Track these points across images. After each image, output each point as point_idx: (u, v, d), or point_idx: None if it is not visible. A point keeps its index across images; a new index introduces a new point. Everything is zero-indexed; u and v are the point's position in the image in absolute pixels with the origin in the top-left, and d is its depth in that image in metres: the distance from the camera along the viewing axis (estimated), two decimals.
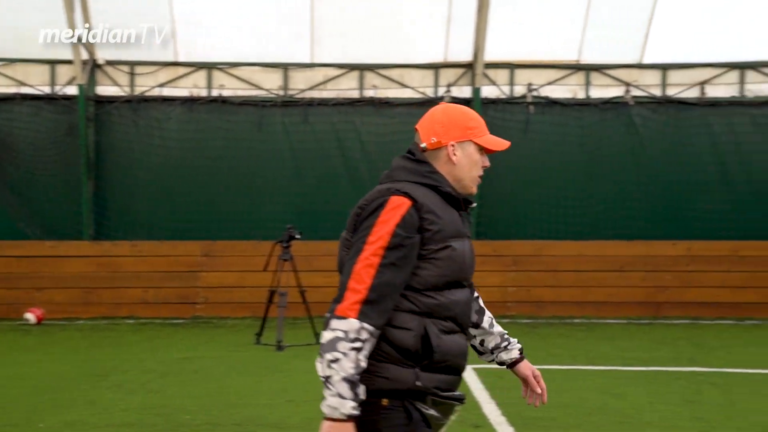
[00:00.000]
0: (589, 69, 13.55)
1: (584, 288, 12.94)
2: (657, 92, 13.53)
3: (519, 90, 13.64)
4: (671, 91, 13.52)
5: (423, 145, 2.77)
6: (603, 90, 13.59)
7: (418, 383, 2.60)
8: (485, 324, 3.06)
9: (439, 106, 2.87)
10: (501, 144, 2.82)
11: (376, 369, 2.59)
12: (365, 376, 2.55)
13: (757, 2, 13.15)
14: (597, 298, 12.92)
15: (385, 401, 2.61)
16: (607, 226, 13.31)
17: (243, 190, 13.52)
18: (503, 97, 13.58)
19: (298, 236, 9.83)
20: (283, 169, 13.55)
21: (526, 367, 3.06)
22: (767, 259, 12.87)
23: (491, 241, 13.08)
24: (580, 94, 13.62)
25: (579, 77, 13.63)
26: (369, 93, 13.58)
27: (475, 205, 2.89)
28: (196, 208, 13.45)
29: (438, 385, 2.65)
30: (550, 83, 13.59)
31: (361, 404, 2.52)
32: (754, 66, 13.48)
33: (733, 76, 13.54)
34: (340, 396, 2.47)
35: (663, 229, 13.32)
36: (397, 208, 2.60)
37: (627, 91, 13.49)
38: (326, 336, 2.52)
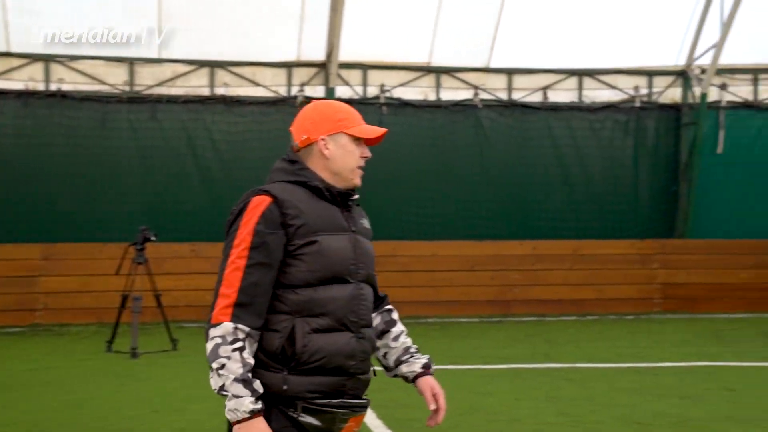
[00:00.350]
0: (439, 71, 13.80)
1: (437, 287, 13.17)
2: (503, 96, 13.96)
3: (372, 91, 13.72)
4: (516, 95, 13.98)
5: (295, 144, 2.76)
6: (453, 92, 13.88)
7: (285, 387, 2.52)
8: (390, 336, 2.95)
9: (309, 104, 2.86)
10: (374, 131, 2.79)
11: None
12: None
13: (595, 13, 13.79)
14: (449, 297, 13.18)
15: None
16: (459, 226, 13.61)
17: (86, 190, 12.87)
18: (356, 97, 13.61)
19: (153, 238, 9.45)
20: (130, 167, 13.01)
21: (425, 383, 2.89)
22: (604, 257, 13.53)
23: None
24: (431, 96, 13.85)
25: (430, 79, 13.86)
26: (220, 91, 13.25)
27: (357, 197, 2.83)
28: (34, 208, 12.69)
29: (311, 388, 2.55)
30: (402, 85, 13.74)
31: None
32: (591, 73, 14.15)
33: (572, 82, 14.17)
34: (237, 397, 2.44)
35: (510, 228, 13.76)
36: (257, 206, 2.58)
37: (476, 94, 13.84)
38: (208, 347, 2.50)
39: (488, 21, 13.61)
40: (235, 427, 2.45)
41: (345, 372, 2.61)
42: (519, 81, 14.03)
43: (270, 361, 2.54)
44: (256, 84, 13.37)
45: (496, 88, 13.96)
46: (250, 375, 2.47)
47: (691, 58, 14.08)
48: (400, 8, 13.37)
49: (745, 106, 14.41)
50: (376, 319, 2.91)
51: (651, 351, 9.84)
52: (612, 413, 6.81)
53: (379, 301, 2.94)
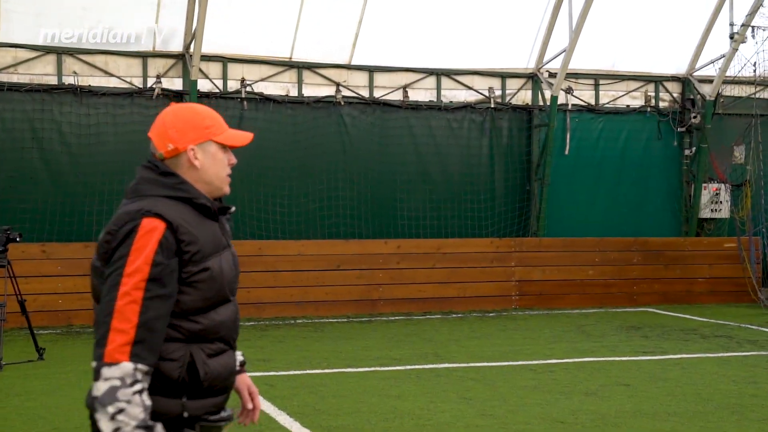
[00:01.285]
0: (301, 67, 13.49)
1: (304, 288, 12.87)
2: (365, 93, 13.85)
3: (232, 85, 13.21)
4: (378, 93, 13.91)
5: (160, 153, 2.60)
6: (315, 89, 13.62)
7: (186, 414, 2.49)
8: None
9: (167, 108, 2.69)
10: (244, 138, 2.71)
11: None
12: None
13: (454, 14, 13.97)
14: (316, 297, 12.92)
15: None
16: (324, 224, 13.37)
17: None
18: (216, 91, 13.05)
19: (17, 239, 8.58)
20: None
21: (242, 381, 2.87)
22: (464, 255, 13.73)
23: None
24: (293, 92, 13.52)
25: (291, 75, 13.52)
26: (69, 80, 12.30)
27: (234, 209, 2.78)
28: None
29: (208, 410, 2.55)
30: (263, 79, 13.33)
31: None
32: (448, 73, 14.32)
33: (431, 81, 14.28)
34: None
35: (374, 227, 13.68)
36: (150, 232, 2.43)
37: (338, 91, 13.64)
38: (101, 387, 2.33)
39: (351, 17, 13.47)
40: None
41: (229, 389, 2.65)
42: (380, 79, 13.97)
43: (167, 388, 2.46)
44: (109, 74, 12.52)
45: (357, 86, 13.83)
46: (149, 418, 2.36)
47: (540, 61, 14.55)
48: (262, 0, 12.96)
49: (588, 109, 15.09)
50: None
51: (530, 347, 10.04)
52: (531, 412, 6.83)
53: None
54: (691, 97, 15.38)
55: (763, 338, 10.90)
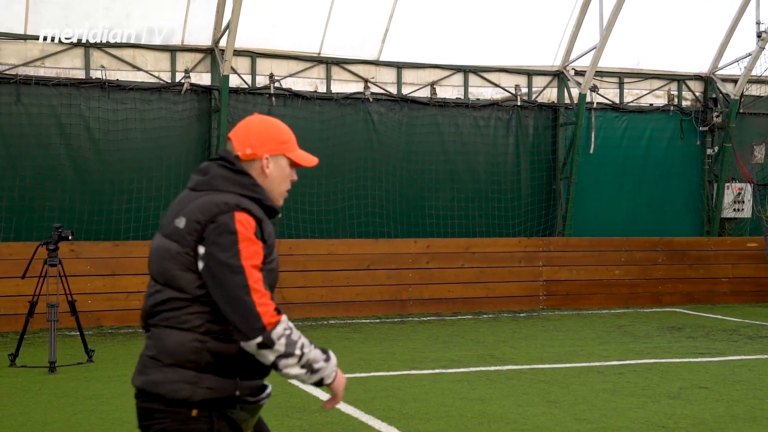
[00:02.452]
0: (330, 62, 13.22)
1: (334, 288, 12.61)
2: (393, 90, 13.61)
3: (261, 80, 12.91)
4: (406, 90, 13.68)
5: (237, 154, 2.83)
6: (343, 85, 13.36)
7: (237, 393, 2.71)
8: None
9: (253, 116, 2.93)
10: (311, 160, 2.94)
11: (199, 380, 2.66)
12: (187, 386, 2.66)
13: (482, 10, 13.77)
14: (346, 298, 12.66)
15: (194, 412, 2.67)
16: (353, 223, 13.11)
17: None
18: (244, 86, 12.75)
19: (69, 237, 8.24)
20: None
21: None
22: (493, 255, 13.54)
23: None
24: (321, 88, 13.25)
25: (320, 70, 13.25)
26: (96, 74, 11.94)
27: (280, 215, 2.98)
28: None
29: (252, 391, 2.76)
30: (291, 75, 13.04)
31: (168, 412, 2.66)
32: (476, 70, 14.12)
33: (458, 78, 14.07)
34: (326, 360, 2.71)
35: (402, 226, 13.45)
36: (249, 223, 2.69)
37: (366, 87, 13.40)
38: (279, 345, 2.63)
39: (381, 13, 13.23)
40: (339, 376, 2.76)
41: (267, 371, 2.80)
42: (408, 75, 13.75)
43: (226, 368, 2.68)
44: (137, 68, 12.18)
45: (385, 82, 13.58)
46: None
47: (567, 59, 14.40)
48: None
49: (612, 108, 14.96)
50: None
51: (583, 349, 9.86)
52: (627, 417, 6.64)
53: None
54: (714, 96, 15.30)
55: None
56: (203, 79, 12.50)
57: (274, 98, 12.87)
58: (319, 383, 2.71)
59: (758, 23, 14.52)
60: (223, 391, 2.69)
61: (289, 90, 12.96)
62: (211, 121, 12.48)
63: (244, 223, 2.67)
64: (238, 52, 12.61)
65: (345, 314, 12.55)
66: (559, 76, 14.55)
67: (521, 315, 13.04)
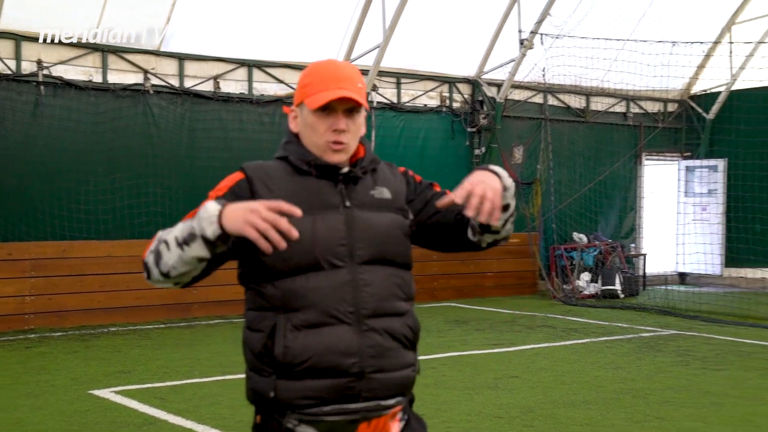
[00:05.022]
0: (106, 51, 12.34)
1: (114, 292, 11.76)
2: (175, 83, 12.96)
3: (27, 66, 11.78)
4: (188, 83, 13.08)
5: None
6: (121, 75, 12.52)
7: (272, 394, 2.22)
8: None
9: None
10: (321, 99, 2.34)
11: (249, 378, 2.31)
12: (247, 386, 2.36)
13: (267, 3, 13.51)
14: (126, 303, 11.86)
15: (258, 417, 2.30)
16: (134, 223, 12.30)
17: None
18: (8, 72, 11.58)
19: None
20: None
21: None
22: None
23: (4, 243, 11.08)
24: (97, 78, 12.33)
25: (95, 59, 12.33)
26: None
27: (346, 170, 2.42)
28: None
29: (304, 394, 2.21)
30: (62, 62, 12.02)
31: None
32: (260, 65, 13.81)
33: (242, 73, 13.68)
34: (198, 217, 2.20)
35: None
36: (227, 180, 2.41)
37: (146, 79, 12.64)
38: (149, 259, 2.31)
39: (163, 1, 12.54)
40: (224, 218, 2.12)
41: (344, 372, 2.23)
42: (190, 68, 13.15)
43: (259, 364, 2.25)
44: None
45: (167, 74, 12.90)
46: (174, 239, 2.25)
47: (348, 57, 14.46)
48: None
49: (391, 107, 15.25)
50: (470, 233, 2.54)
51: None
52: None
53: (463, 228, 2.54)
54: (481, 98, 16.05)
55: (578, 326, 11.56)
56: None
57: (42, 87, 11.80)
58: (209, 242, 2.12)
59: (520, 31, 15.39)
60: (262, 393, 2.27)
61: (60, 78, 11.94)
62: None
63: (221, 182, 2.41)
64: (2, 34, 11.43)
65: (125, 320, 11.77)
66: None
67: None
